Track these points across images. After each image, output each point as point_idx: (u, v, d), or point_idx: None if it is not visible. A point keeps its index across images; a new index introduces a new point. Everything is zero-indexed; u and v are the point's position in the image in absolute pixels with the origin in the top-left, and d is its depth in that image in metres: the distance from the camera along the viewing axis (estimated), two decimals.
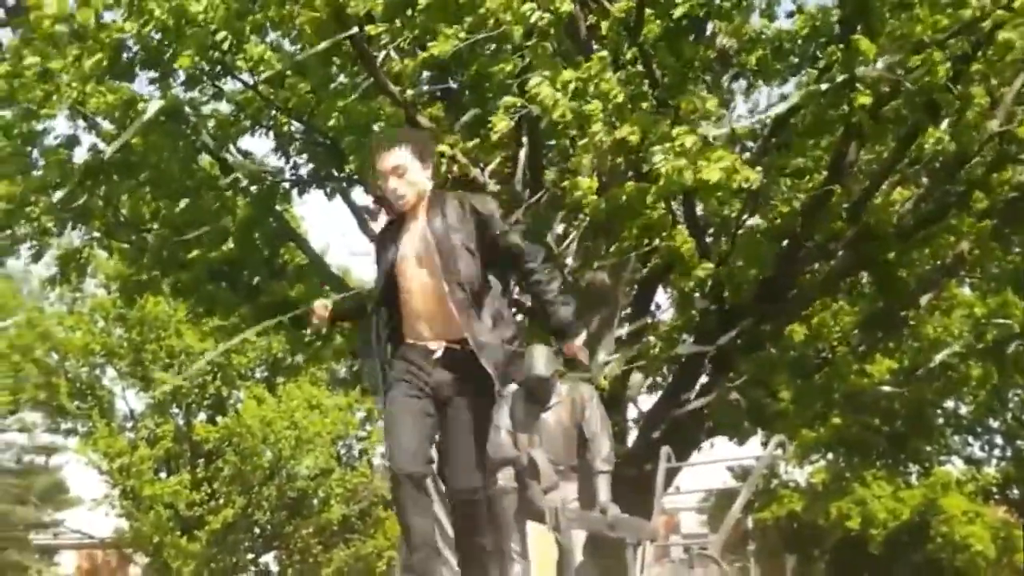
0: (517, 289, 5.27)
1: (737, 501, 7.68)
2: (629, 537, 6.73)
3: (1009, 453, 27.06)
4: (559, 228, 12.19)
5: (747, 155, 11.85)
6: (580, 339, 5.00)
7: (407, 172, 4.70)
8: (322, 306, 5.04)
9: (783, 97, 12.96)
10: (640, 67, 9.82)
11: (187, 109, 11.84)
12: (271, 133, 12.77)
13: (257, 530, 28.38)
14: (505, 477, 6.20)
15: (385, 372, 4.89)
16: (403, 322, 4.81)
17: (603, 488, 6.79)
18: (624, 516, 6.71)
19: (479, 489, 4.83)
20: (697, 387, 12.34)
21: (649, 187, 9.29)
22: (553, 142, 11.33)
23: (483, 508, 4.87)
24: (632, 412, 13.34)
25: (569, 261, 11.15)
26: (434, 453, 4.97)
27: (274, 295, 12.97)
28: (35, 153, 11.82)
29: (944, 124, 11.42)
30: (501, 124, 8.95)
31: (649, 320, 13.06)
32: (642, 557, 6.93)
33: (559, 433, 6.98)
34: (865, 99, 10.28)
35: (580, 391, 7.17)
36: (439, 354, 4.73)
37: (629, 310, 12.91)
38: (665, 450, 8.02)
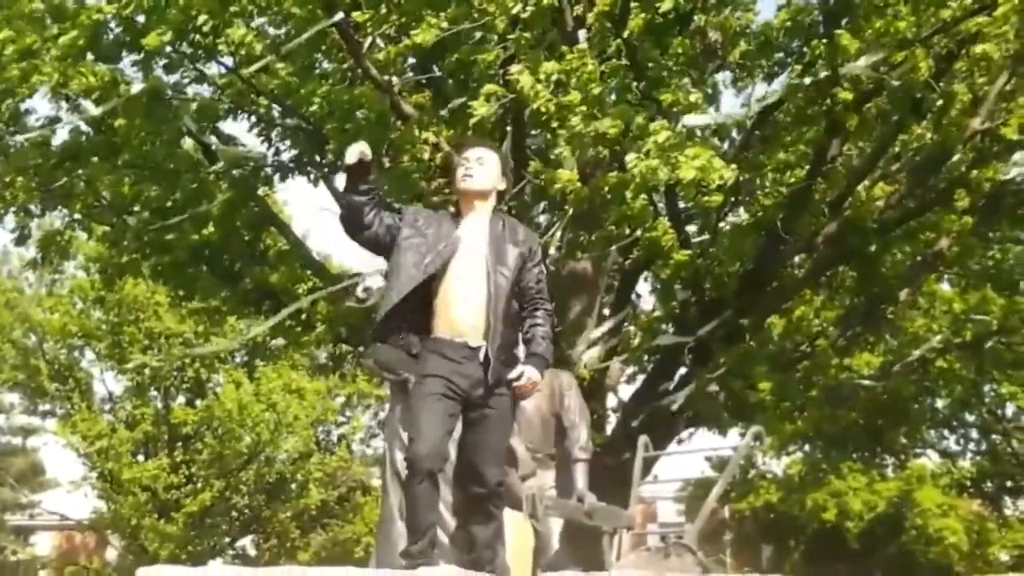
0: None
1: (713, 491, 7.78)
2: (606, 525, 6.81)
3: (984, 447, 27.34)
4: (542, 218, 12.23)
5: (729, 149, 11.90)
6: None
7: (486, 165, 5.02)
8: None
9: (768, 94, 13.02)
10: (625, 60, 9.83)
11: (169, 92, 11.79)
12: (253, 118, 12.75)
13: (235, 514, 28.32)
14: None
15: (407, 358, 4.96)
16: (438, 314, 4.88)
17: (581, 476, 6.88)
18: (601, 504, 6.79)
19: (504, 483, 4.95)
20: (677, 378, 12.41)
21: (628, 180, 9.32)
22: (537, 132, 11.33)
23: (503, 501, 5.00)
24: (612, 401, 13.39)
25: (552, 251, 11.17)
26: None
27: (255, 279, 12.96)
28: (17, 136, 11.73)
29: (926, 121, 11.51)
30: (482, 109, 8.95)
31: (630, 311, 13.08)
32: (618, 545, 7.00)
33: (537, 421, 7.05)
34: (848, 95, 10.33)
35: (559, 379, 7.24)
36: (482, 353, 4.81)
37: (611, 300, 12.94)
38: (643, 439, 8.09)
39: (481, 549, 4.85)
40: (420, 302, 4.90)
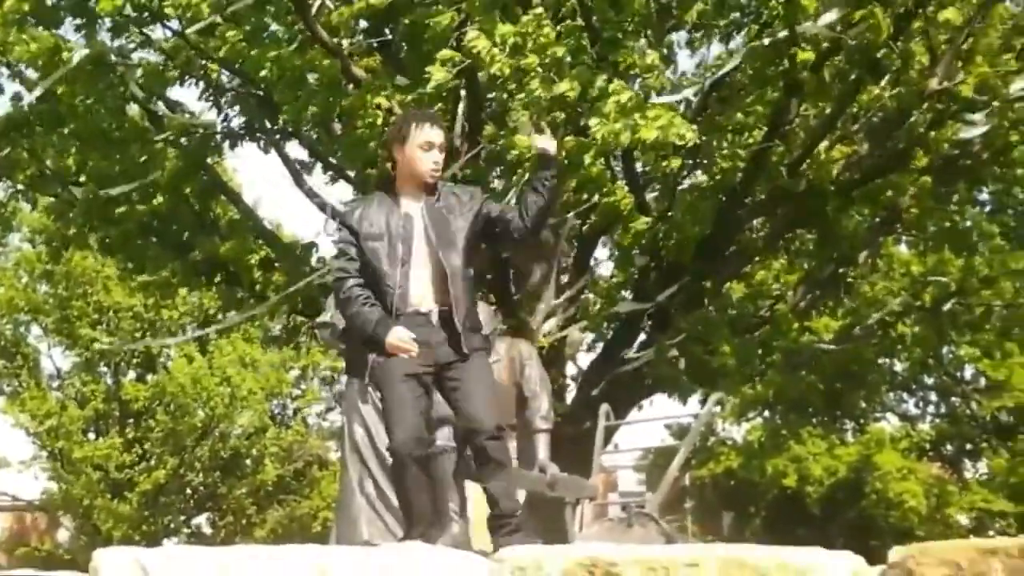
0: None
1: (675, 459, 7.67)
2: (568, 496, 6.67)
3: (943, 410, 27.61)
4: (497, 183, 12.02)
5: (686, 111, 11.76)
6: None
7: (444, 152, 4.95)
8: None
9: (729, 53, 12.89)
10: (580, 20, 9.64)
11: (114, 58, 11.46)
12: (202, 84, 12.43)
13: (189, 491, 27.93)
14: (443, 436, 6.09)
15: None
16: (397, 294, 4.79)
17: (543, 447, 6.73)
18: (563, 475, 6.65)
19: (502, 427, 4.84)
20: (636, 345, 12.31)
21: (588, 143, 9.16)
22: (492, 95, 11.13)
23: (507, 446, 4.95)
24: (571, 370, 13.27)
25: None
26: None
27: (206, 250, 12.69)
28: None
29: (884, 81, 11.42)
30: (439, 75, 8.73)
31: (589, 277, 12.95)
32: (580, 516, 6.88)
33: (497, 391, 6.88)
34: (807, 55, 10.22)
35: (519, 349, 7.08)
36: (435, 316, 4.76)
37: (569, 267, 12.80)
38: (604, 408, 7.97)
39: (503, 501, 4.71)
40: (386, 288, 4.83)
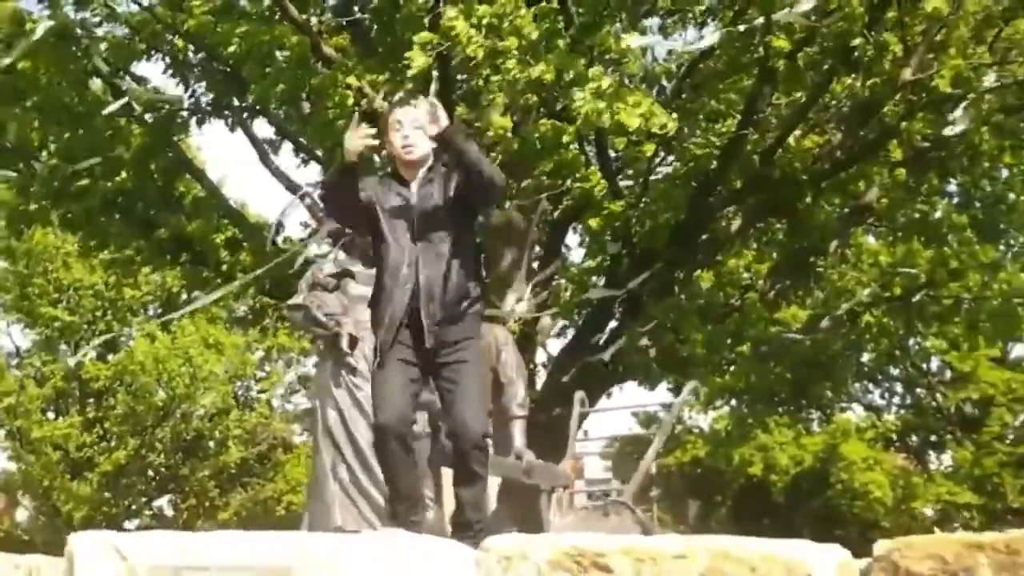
0: None
1: (651, 448, 7.63)
2: (544, 484, 6.61)
3: (909, 401, 27.81)
4: None
5: (659, 97, 11.70)
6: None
7: (422, 127, 4.89)
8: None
9: (701, 39, 12.84)
10: (555, 3, 9.56)
11: (78, 31, 11.22)
12: (167, 59, 12.21)
13: (151, 472, 27.61)
14: (419, 422, 6.01)
15: None
16: (402, 275, 4.79)
17: (519, 434, 6.67)
18: (539, 462, 6.59)
19: (488, 436, 4.86)
20: (607, 331, 12.26)
21: (565, 126, 9.07)
22: (463, 77, 11.01)
23: (487, 456, 4.88)
24: (541, 356, 13.19)
25: None
26: None
27: (171, 228, 12.49)
28: None
29: (857, 72, 11.42)
30: (419, 60, 8.60)
31: (560, 263, 12.89)
32: (555, 504, 6.82)
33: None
34: (783, 43, 10.19)
35: (495, 334, 7.00)
36: (425, 297, 4.73)
37: (540, 253, 12.72)
38: (579, 395, 7.93)
39: (468, 510, 4.68)
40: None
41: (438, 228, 4.80)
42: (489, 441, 4.89)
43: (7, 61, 10.73)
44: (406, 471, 4.73)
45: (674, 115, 8.60)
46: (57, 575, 4.00)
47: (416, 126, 4.89)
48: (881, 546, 3.41)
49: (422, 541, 3.79)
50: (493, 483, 6.55)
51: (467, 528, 4.64)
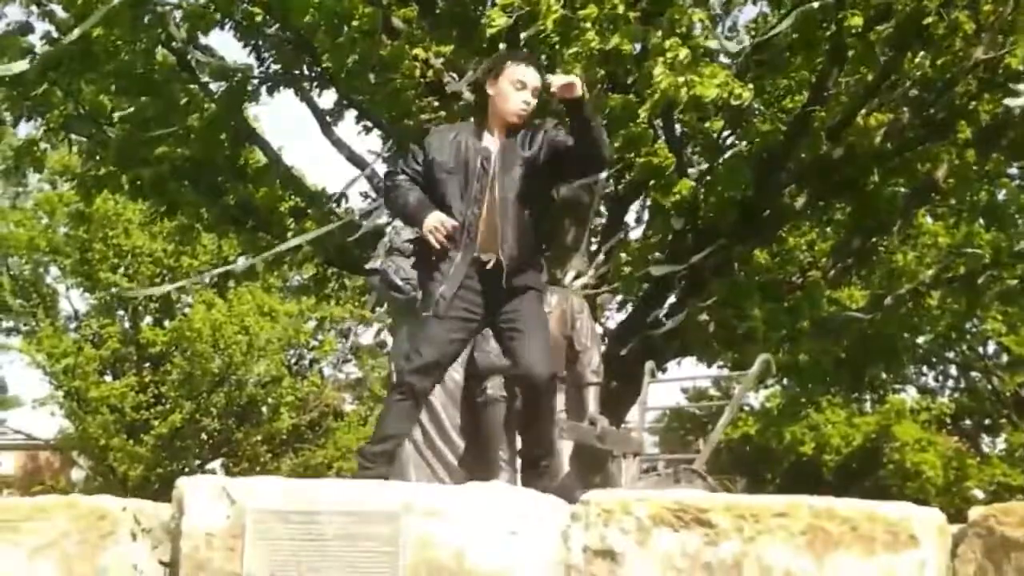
0: None
1: (722, 419, 7.69)
2: (616, 449, 6.68)
3: (963, 384, 27.54)
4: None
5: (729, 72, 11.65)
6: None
7: (536, 97, 4.87)
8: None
9: (765, 18, 12.78)
10: None
11: None
12: (238, 30, 12.34)
13: (205, 436, 28.02)
14: (494, 386, 6.09)
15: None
16: (468, 235, 4.79)
17: (592, 400, 6.75)
18: (612, 428, 6.67)
19: (556, 375, 4.94)
20: (667, 306, 12.28)
21: (634, 102, 9.08)
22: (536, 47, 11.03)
23: (555, 396, 4.98)
24: (598, 330, 13.22)
25: None
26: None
27: (239, 197, 12.67)
28: None
29: (928, 50, 11.32)
30: (500, 20, 8.65)
31: (622, 236, 12.90)
32: (627, 469, 6.90)
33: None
34: (857, 20, 10.12)
35: (571, 301, 7.08)
36: (491, 264, 4.75)
37: (601, 227, 12.73)
38: (649, 365, 7.99)
39: (535, 449, 4.81)
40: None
41: (516, 186, 4.78)
42: (556, 383, 4.92)
43: (79, 31, 10.88)
44: (398, 420, 4.83)
45: (750, 87, 8.56)
46: (159, 520, 4.10)
47: (536, 92, 4.85)
48: (976, 512, 3.47)
49: (521, 493, 3.89)
50: (566, 448, 6.65)
51: (534, 465, 4.72)
